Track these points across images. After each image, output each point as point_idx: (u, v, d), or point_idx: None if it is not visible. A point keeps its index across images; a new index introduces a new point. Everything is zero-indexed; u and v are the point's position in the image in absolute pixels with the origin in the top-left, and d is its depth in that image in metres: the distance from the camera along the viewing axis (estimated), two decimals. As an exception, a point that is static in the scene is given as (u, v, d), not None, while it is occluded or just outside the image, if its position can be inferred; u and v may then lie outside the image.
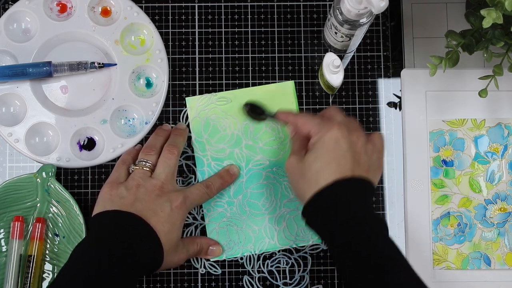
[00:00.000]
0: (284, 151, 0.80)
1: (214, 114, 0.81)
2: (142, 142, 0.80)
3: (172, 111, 0.81)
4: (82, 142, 0.80)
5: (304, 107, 0.82)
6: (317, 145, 0.67)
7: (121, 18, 0.81)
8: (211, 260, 0.79)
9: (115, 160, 0.79)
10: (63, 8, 0.82)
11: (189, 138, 0.80)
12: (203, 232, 0.79)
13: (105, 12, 0.82)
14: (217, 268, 0.79)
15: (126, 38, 0.81)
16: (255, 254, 0.79)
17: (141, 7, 0.82)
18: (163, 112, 0.81)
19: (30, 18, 0.81)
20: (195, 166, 0.80)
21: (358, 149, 0.67)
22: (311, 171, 0.66)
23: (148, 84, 0.81)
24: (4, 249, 0.77)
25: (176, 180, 0.76)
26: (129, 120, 0.81)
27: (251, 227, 0.79)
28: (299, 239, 0.79)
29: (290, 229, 0.79)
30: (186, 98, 0.81)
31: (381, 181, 0.81)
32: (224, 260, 0.79)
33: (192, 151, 0.80)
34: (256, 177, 0.80)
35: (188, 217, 0.79)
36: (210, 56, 0.82)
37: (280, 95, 0.81)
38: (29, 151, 0.79)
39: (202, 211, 0.79)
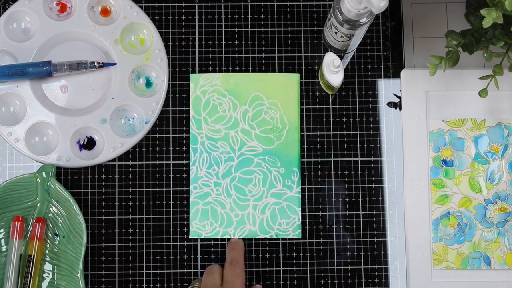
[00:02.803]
0: (279, 141, 0.80)
1: (215, 93, 0.81)
2: (142, 141, 0.80)
3: (172, 111, 0.81)
4: (82, 142, 0.80)
5: (304, 107, 0.82)
6: None
7: (120, 18, 0.81)
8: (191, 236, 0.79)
9: (115, 159, 0.79)
10: (62, 8, 0.82)
11: (189, 114, 0.80)
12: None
13: (105, 12, 0.82)
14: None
15: (125, 37, 0.81)
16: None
17: (141, 7, 0.82)
18: (163, 111, 0.81)
19: (29, 17, 0.81)
20: (190, 143, 0.80)
21: None
22: None
23: (148, 84, 0.81)
24: (4, 249, 0.77)
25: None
26: (129, 120, 0.81)
27: (234, 211, 0.79)
28: (280, 231, 0.79)
29: (273, 220, 0.79)
30: (191, 75, 0.81)
31: (381, 181, 0.81)
32: (224, 261, 0.79)
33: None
34: (247, 162, 0.80)
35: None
36: (210, 56, 0.82)
37: (283, 85, 0.81)
38: (29, 150, 0.79)
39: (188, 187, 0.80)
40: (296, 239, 0.80)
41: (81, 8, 0.81)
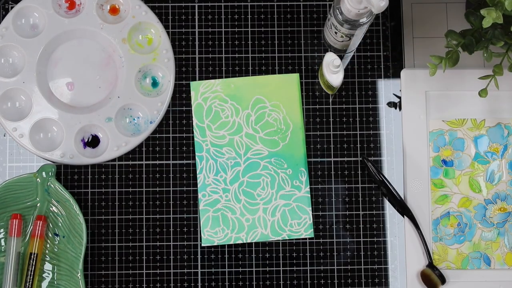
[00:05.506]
0: (284, 142, 0.80)
1: (217, 100, 0.81)
2: (142, 141, 0.80)
3: (172, 111, 0.81)
4: (87, 139, 0.80)
5: (304, 106, 0.82)
6: None
7: (129, 17, 0.81)
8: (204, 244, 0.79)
9: (118, 158, 0.79)
10: (71, 5, 0.82)
11: (191, 121, 0.80)
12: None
13: (114, 10, 0.82)
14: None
15: (133, 36, 0.81)
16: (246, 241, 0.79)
17: (141, 7, 0.82)
18: (168, 111, 0.81)
19: (38, 13, 0.81)
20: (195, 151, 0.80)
21: None
22: None
23: (154, 84, 0.81)
24: (4, 248, 0.77)
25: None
26: (134, 119, 0.81)
27: (245, 216, 0.79)
28: (292, 232, 0.79)
29: (284, 221, 0.79)
30: (191, 82, 0.81)
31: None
32: (224, 261, 0.79)
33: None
34: (253, 166, 0.80)
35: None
36: (210, 56, 0.82)
37: (284, 86, 0.81)
38: (33, 146, 0.79)
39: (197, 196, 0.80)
40: (309, 238, 0.80)
41: (90, 5, 0.81)
